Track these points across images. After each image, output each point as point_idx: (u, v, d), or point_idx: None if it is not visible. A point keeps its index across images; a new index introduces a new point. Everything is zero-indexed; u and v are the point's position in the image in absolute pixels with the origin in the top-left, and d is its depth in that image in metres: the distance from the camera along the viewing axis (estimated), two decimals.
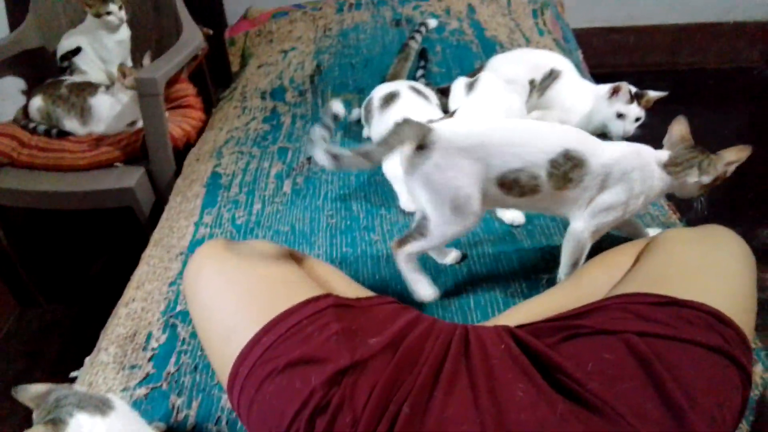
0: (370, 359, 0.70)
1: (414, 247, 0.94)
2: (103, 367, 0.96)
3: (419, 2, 2.22)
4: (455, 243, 1.12)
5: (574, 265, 0.98)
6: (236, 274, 0.81)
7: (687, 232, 0.92)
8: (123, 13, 1.74)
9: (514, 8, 2.20)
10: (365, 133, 1.54)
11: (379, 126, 1.36)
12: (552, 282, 1.01)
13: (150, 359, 0.95)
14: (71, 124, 1.65)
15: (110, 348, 0.99)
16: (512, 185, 0.87)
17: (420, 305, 1.00)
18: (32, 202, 1.60)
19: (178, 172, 1.56)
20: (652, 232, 1.08)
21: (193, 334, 0.97)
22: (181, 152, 1.64)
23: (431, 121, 0.94)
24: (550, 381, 0.67)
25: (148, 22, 1.95)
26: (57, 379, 0.92)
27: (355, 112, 1.62)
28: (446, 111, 1.44)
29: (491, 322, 0.89)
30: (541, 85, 1.43)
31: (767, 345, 0.93)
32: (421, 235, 0.92)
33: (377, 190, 1.33)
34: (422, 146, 0.84)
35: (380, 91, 1.46)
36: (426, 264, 1.09)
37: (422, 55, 1.80)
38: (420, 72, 1.72)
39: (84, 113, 1.63)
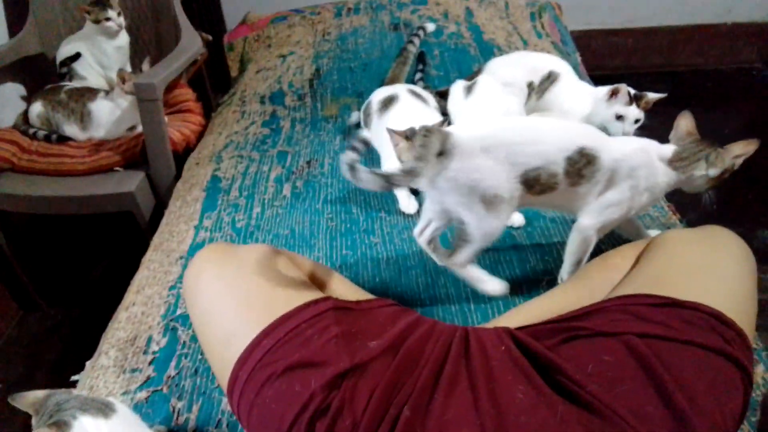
0: (370, 362, 0.70)
1: (464, 254, 0.94)
2: (104, 371, 0.96)
3: (417, 6, 2.23)
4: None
5: (578, 264, 0.98)
6: (236, 277, 0.81)
7: (687, 233, 0.92)
8: (122, 20, 1.75)
9: (511, 11, 2.20)
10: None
11: (378, 129, 1.36)
12: (552, 283, 1.01)
13: (150, 363, 0.95)
14: (71, 129, 1.65)
15: (111, 352, 0.99)
16: (534, 183, 0.88)
17: (420, 308, 1.00)
18: (33, 207, 1.60)
19: (177, 177, 1.56)
20: (652, 233, 1.08)
21: (194, 338, 0.97)
22: (180, 156, 1.64)
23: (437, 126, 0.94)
24: (550, 383, 0.67)
25: (147, 28, 1.96)
26: (58, 382, 0.92)
27: (354, 116, 1.63)
28: (445, 114, 1.44)
29: (491, 324, 0.89)
30: (539, 88, 1.43)
31: None
32: (465, 241, 0.92)
33: (377, 193, 1.33)
34: (442, 152, 0.84)
35: (379, 94, 1.47)
36: (426, 266, 1.09)
37: (420, 58, 1.80)
38: (418, 75, 1.72)
39: (84, 118, 1.63)
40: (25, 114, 1.71)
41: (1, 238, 1.66)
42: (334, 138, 1.58)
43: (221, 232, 1.26)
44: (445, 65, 1.86)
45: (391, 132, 1.18)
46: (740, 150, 0.91)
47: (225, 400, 0.86)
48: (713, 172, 0.92)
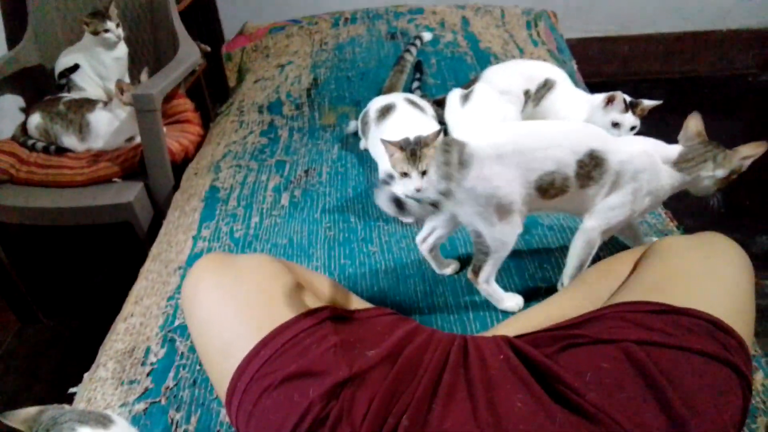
0: (368, 371, 0.70)
1: (487, 268, 0.94)
2: (102, 383, 0.95)
3: (414, 16, 2.24)
4: (454, 253, 1.13)
5: (580, 268, 0.98)
6: (234, 287, 0.81)
7: (685, 239, 0.92)
8: (120, 31, 1.76)
9: (507, 20, 2.22)
10: (362, 145, 1.55)
11: (375, 138, 1.36)
12: (550, 291, 1.01)
13: (148, 374, 0.95)
14: (70, 140, 1.65)
15: (109, 363, 0.99)
16: (548, 188, 0.88)
17: (418, 316, 1.00)
18: (31, 219, 1.60)
19: (176, 187, 1.56)
20: (650, 240, 1.08)
21: (192, 349, 0.97)
22: (179, 167, 1.64)
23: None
24: (549, 391, 0.67)
25: (145, 39, 1.97)
26: (56, 394, 0.91)
27: (352, 125, 1.63)
28: (442, 122, 1.45)
29: (490, 332, 0.89)
30: (535, 96, 1.44)
31: (767, 352, 0.93)
32: (485, 254, 0.92)
33: (374, 202, 1.33)
34: (459, 163, 0.83)
35: (376, 103, 1.47)
36: (425, 275, 1.09)
37: (417, 67, 1.81)
38: (415, 84, 1.73)
39: (82, 129, 1.64)
40: (24, 125, 1.71)
41: None
42: (332, 147, 1.59)
43: (219, 242, 1.26)
44: (441, 74, 1.87)
45: (386, 142, 1.18)
46: (749, 151, 0.91)
47: (223, 411, 0.86)
48: (720, 173, 0.92)
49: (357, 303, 0.90)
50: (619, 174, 0.90)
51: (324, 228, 1.26)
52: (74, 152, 1.66)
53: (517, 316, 0.95)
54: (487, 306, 1.01)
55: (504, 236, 0.90)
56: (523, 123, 0.96)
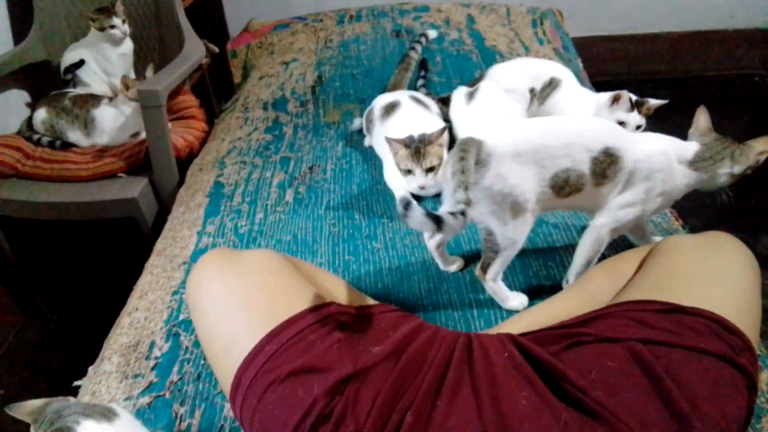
0: (372, 368, 0.70)
1: (496, 266, 0.94)
2: (107, 377, 0.96)
3: (419, 13, 2.24)
4: (458, 250, 1.13)
5: (587, 265, 0.98)
6: (239, 283, 0.81)
7: (690, 238, 0.92)
8: (126, 27, 1.76)
9: (513, 18, 2.21)
10: (366, 142, 1.55)
11: (380, 135, 1.36)
12: (555, 289, 1.01)
13: (153, 368, 0.95)
14: (75, 135, 1.66)
15: (113, 357, 0.99)
16: (563, 185, 0.88)
17: (422, 313, 1.00)
18: (36, 213, 1.60)
19: (181, 182, 1.57)
20: (656, 239, 1.08)
21: (196, 343, 0.97)
22: (184, 162, 1.65)
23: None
24: (554, 389, 0.67)
25: (151, 35, 1.97)
26: (60, 388, 0.92)
27: (357, 122, 1.63)
28: (447, 120, 1.44)
29: (494, 330, 0.89)
30: (541, 94, 1.44)
31: None
32: (495, 252, 0.92)
33: (379, 199, 1.33)
34: (477, 162, 0.83)
35: (381, 101, 1.47)
36: (429, 272, 1.09)
37: (422, 65, 1.81)
38: (420, 82, 1.73)
39: (87, 125, 1.64)
40: (30, 120, 1.72)
41: (4, 243, 1.67)
42: (336, 144, 1.59)
43: (224, 238, 1.26)
44: (447, 72, 1.87)
45: (390, 140, 1.18)
46: (765, 146, 0.91)
47: (228, 405, 0.86)
48: (738, 169, 0.91)
49: (361, 299, 0.90)
50: (633, 172, 0.90)
51: (328, 224, 1.26)
52: (79, 147, 1.67)
53: (522, 314, 0.94)
54: (492, 304, 1.01)
55: (516, 235, 0.90)
56: (539, 119, 0.95)
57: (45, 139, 1.67)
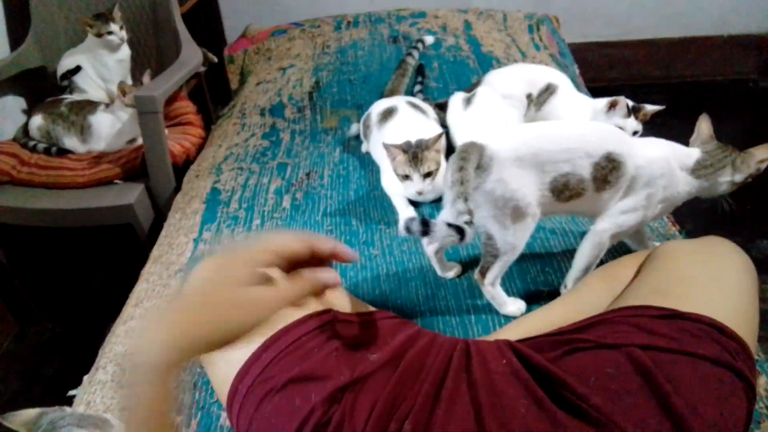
0: (370, 375, 0.69)
1: (494, 270, 0.94)
2: (102, 386, 0.95)
3: (416, 19, 2.25)
4: (456, 256, 1.12)
5: (586, 270, 0.98)
6: None
7: (688, 244, 0.92)
8: (124, 33, 1.76)
9: (510, 24, 2.22)
10: (364, 148, 1.55)
11: (377, 141, 1.36)
12: (553, 295, 1.01)
13: None
14: (71, 142, 1.65)
15: (108, 366, 0.98)
16: (563, 189, 0.88)
17: (420, 320, 1.00)
18: (32, 220, 1.60)
19: (177, 189, 1.56)
20: (653, 244, 1.08)
21: None
22: (180, 169, 1.64)
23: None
24: (553, 396, 0.67)
25: (148, 41, 1.97)
26: (56, 397, 0.91)
27: (354, 128, 1.63)
28: (444, 126, 1.45)
29: (492, 337, 0.89)
30: (538, 100, 1.44)
31: None
32: (494, 257, 0.92)
33: (376, 205, 1.33)
34: (479, 166, 0.83)
35: (378, 106, 1.47)
36: (427, 278, 1.09)
37: (420, 71, 1.82)
38: (418, 87, 1.73)
39: (84, 131, 1.64)
40: (26, 127, 1.72)
41: None
42: (333, 150, 1.59)
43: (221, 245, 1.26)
44: (444, 77, 1.87)
45: (388, 146, 1.18)
46: (765, 154, 0.91)
47: (224, 414, 0.85)
48: (739, 177, 0.92)
49: (359, 306, 0.90)
50: (634, 178, 0.90)
51: (325, 231, 1.26)
52: (75, 154, 1.66)
53: (520, 320, 0.94)
54: (489, 309, 1.00)
55: (516, 239, 0.90)
56: (541, 123, 0.96)
57: (41, 146, 1.66)
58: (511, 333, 0.86)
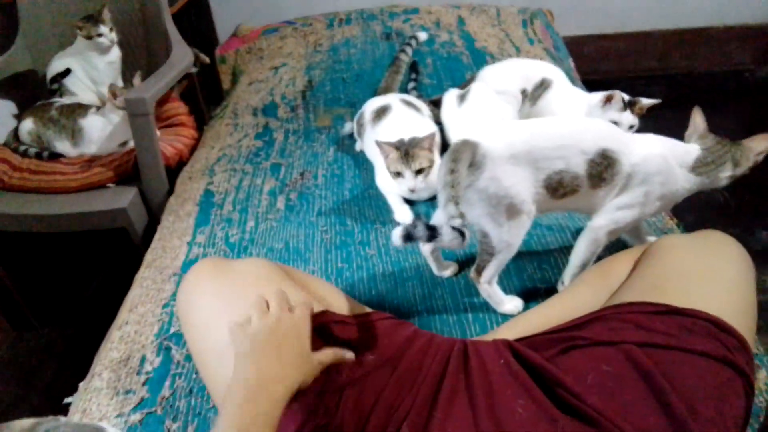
0: (368, 377, 0.69)
1: (490, 269, 0.93)
2: (97, 393, 0.94)
3: (409, 16, 2.23)
4: (452, 255, 1.11)
5: (583, 266, 0.97)
6: (230, 292, 0.79)
7: (684, 238, 0.91)
8: (114, 35, 1.74)
9: (503, 18, 2.21)
10: (358, 147, 1.54)
11: (371, 139, 1.35)
12: (550, 292, 1.00)
13: (144, 383, 0.93)
14: (62, 146, 1.64)
15: (104, 373, 0.97)
16: (557, 187, 0.87)
17: (417, 319, 0.99)
18: (25, 226, 1.58)
19: (170, 191, 1.55)
20: (650, 239, 1.07)
21: (188, 357, 0.96)
22: (173, 171, 1.63)
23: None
24: (550, 395, 0.66)
25: (138, 43, 1.95)
26: (52, 403, 0.90)
27: (347, 126, 1.62)
28: (438, 122, 1.44)
29: (490, 336, 0.88)
30: (532, 95, 1.43)
31: None
32: (490, 255, 0.91)
33: (371, 204, 1.32)
34: (472, 164, 0.82)
35: (372, 104, 1.46)
36: (423, 278, 1.08)
37: (413, 67, 1.80)
38: (411, 84, 1.72)
39: (75, 135, 1.62)
40: (16, 131, 1.70)
41: None
42: (327, 149, 1.58)
43: (215, 248, 1.25)
44: (437, 74, 1.86)
45: (381, 144, 1.17)
46: (762, 146, 0.91)
47: None
48: (740, 171, 0.91)
49: (355, 307, 0.89)
50: (630, 176, 0.89)
51: (320, 231, 1.25)
52: (67, 158, 1.64)
53: (517, 319, 0.94)
54: (487, 308, 0.99)
55: (511, 237, 0.89)
56: (535, 120, 0.94)
57: (32, 150, 1.64)
58: (509, 331, 0.85)
